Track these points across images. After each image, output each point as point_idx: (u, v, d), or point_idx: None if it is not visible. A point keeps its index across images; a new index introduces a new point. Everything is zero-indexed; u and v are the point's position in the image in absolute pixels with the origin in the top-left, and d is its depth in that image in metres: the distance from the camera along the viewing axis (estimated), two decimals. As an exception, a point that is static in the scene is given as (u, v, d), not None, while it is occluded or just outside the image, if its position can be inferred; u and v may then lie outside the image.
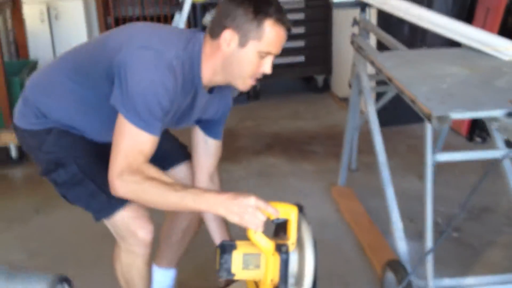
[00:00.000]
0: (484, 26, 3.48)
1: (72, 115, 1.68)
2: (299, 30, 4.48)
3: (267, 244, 1.49)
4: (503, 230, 2.49)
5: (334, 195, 2.96)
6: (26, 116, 1.72)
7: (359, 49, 2.46)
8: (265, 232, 1.53)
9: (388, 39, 2.58)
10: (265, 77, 5.16)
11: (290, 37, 5.09)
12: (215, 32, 1.54)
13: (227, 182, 3.14)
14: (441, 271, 2.30)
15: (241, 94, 4.50)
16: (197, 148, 1.84)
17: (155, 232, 1.74)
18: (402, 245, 1.99)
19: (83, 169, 1.66)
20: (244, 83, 1.59)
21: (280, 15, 1.51)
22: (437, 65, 2.04)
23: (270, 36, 1.50)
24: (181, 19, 4.17)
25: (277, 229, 1.62)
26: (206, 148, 1.83)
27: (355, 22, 2.91)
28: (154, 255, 1.92)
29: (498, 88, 1.79)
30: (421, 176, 3.05)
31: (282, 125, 4.03)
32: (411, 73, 1.97)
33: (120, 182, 1.48)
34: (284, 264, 1.50)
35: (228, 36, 1.51)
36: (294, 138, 3.79)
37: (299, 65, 4.60)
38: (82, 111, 1.67)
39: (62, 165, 1.68)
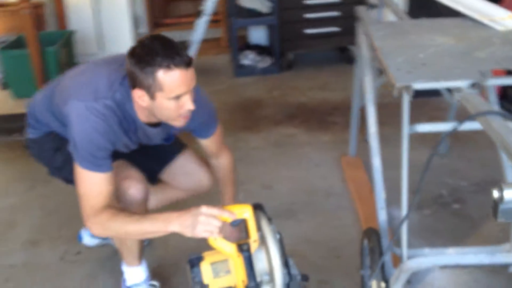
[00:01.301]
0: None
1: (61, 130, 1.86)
2: (333, -1, 4.45)
3: (229, 248, 1.53)
4: (507, 205, 2.44)
5: (343, 165, 2.99)
6: (31, 126, 1.95)
7: (359, 19, 2.45)
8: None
9: (398, 11, 2.55)
10: (299, 47, 5.15)
11: (326, 6, 5.02)
12: (131, 87, 1.62)
13: (243, 150, 3.25)
14: (433, 241, 2.31)
15: (274, 64, 4.55)
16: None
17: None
18: (382, 214, 2.01)
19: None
20: (178, 123, 1.67)
21: (168, 61, 1.52)
22: (427, 36, 2.01)
23: (169, 83, 1.53)
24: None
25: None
26: (200, 144, 2.00)
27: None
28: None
29: (476, 59, 1.75)
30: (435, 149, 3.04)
31: (309, 96, 4.05)
32: (395, 43, 1.96)
33: (90, 225, 1.67)
34: (248, 262, 1.54)
35: (138, 94, 1.59)
36: (317, 109, 3.81)
37: (334, 35, 4.57)
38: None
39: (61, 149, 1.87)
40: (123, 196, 1.82)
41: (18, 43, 3.71)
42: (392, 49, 1.88)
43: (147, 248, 2.37)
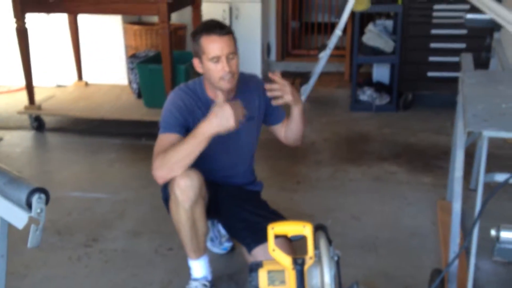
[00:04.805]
0: None
1: None
2: (460, 45, 4.42)
3: (285, 259, 1.66)
4: None
5: (438, 208, 2.98)
6: None
7: (461, 65, 2.49)
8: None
9: (503, 61, 2.55)
10: (419, 89, 5.15)
11: (449, 51, 4.97)
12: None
13: (340, 180, 3.36)
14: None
15: (391, 102, 4.60)
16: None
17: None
18: (452, 257, 2.03)
19: None
20: (221, 85, 2.08)
21: (208, 29, 2.04)
22: (519, 87, 2.03)
23: (206, 45, 2.04)
24: (338, 27, 4.43)
25: None
26: (276, 130, 2.40)
27: (487, 41, 2.90)
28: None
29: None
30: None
31: (419, 137, 4.05)
32: (482, 91, 2.00)
33: (154, 169, 2.01)
34: (300, 276, 1.65)
35: (195, 63, 2.12)
36: (425, 151, 3.80)
37: (456, 80, 4.50)
38: None
39: None
40: (176, 186, 2.02)
41: (155, 59, 4.14)
42: (477, 96, 1.93)
43: (230, 254, 2.58)
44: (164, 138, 2.08)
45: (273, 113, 2.33)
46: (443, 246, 2.59)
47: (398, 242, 2.71)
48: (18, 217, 1.12)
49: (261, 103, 2.27)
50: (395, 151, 3.81)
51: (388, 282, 2.39)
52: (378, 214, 2.97)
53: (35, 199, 1.11)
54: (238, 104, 1.98)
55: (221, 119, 1.93)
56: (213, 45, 2.02)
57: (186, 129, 2.12)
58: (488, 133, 1.64)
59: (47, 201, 1.13)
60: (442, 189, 3.19)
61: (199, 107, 2.17)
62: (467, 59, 2.53)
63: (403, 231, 2.79)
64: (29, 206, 1.12)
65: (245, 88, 2.23)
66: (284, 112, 2.37)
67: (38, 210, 1.11)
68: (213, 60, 2.03)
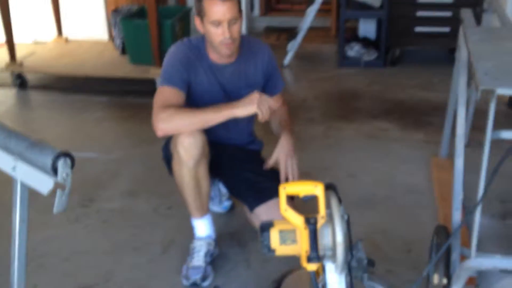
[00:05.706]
0: None
1: None
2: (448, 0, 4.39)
3: (297, 219, 1.63)
4: None
5: (432, 165, 3.01)
6: None
7: (462, 21, 2.46)
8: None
9: (503, 17, 2.53)
10: (406, 44, 5.09)
11: (437, 6, 4.91)
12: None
13: (334, 138, 3.35)
14: None
15: (379, 58, 4.58)
16: None
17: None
18: (456, 215, 2.05)
19: None
20: (220, 49, 2.04)
21: None
22: (525, 44, 2.02)
23: (208, 7, 1.97)
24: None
25: None
26: None
27: (483, -4, 2.87)
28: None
29: None
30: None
31: (409, 94, 4.05)
32: (489, 48, 1.98)
33: (157, 121, 1.93)
34: (313, 235, 1.63)
35: (197, 21, 2.05)
36: (416, 107, 3.81)
37: (444, 36, 4.50)
38: None
39: None
40: (180, 145, 1.98)
41: (139, 14, 4.01)
42: (484, 53, 1.91)
43: (230, 213, 2.58)
44: (166, 91, 2.03)
45: (269, 85, 2.28)
46: (440, 202, 2.62)
47: (395, 199, 2.73)
48: (43, 183, 1.08)
49: (263, 70, 2.22)
50: (386, 108, 3.80)
51: (387, 239, 2.41)
52: (374, 171, 2.98)
53: (61, 163, 1.07)
54: (266, 99, 1.93)
55: (245, 102, 1.91)
56: (216, 9, 1.95)
57: (187, 84, 2.08)
58: (501, 91, 1.63)
59: (72, 165, 1.09)
60: (434, 145, 3.20)
61: (202, 65, 2.11)
62: (467, 14, 2.51)
63: (399, 188, 2.81)
64: (54, 171, 1.08)
65: (248, 52, 2.18)
66: (281, 85, 2.33)
67: (64, 175, 1.07)
68: (214, 24, 1.98)
